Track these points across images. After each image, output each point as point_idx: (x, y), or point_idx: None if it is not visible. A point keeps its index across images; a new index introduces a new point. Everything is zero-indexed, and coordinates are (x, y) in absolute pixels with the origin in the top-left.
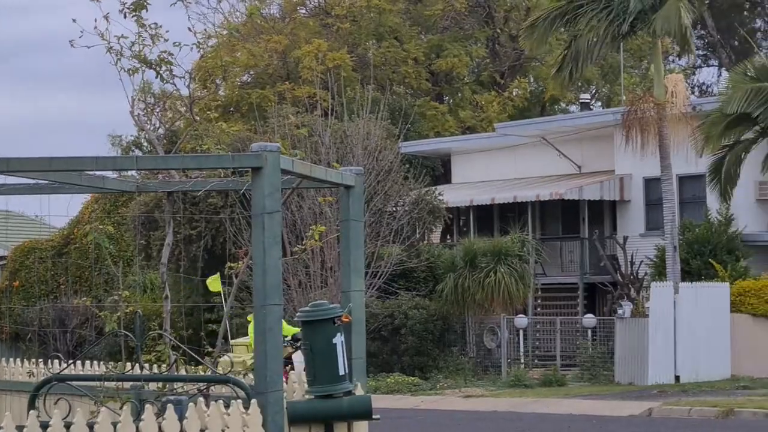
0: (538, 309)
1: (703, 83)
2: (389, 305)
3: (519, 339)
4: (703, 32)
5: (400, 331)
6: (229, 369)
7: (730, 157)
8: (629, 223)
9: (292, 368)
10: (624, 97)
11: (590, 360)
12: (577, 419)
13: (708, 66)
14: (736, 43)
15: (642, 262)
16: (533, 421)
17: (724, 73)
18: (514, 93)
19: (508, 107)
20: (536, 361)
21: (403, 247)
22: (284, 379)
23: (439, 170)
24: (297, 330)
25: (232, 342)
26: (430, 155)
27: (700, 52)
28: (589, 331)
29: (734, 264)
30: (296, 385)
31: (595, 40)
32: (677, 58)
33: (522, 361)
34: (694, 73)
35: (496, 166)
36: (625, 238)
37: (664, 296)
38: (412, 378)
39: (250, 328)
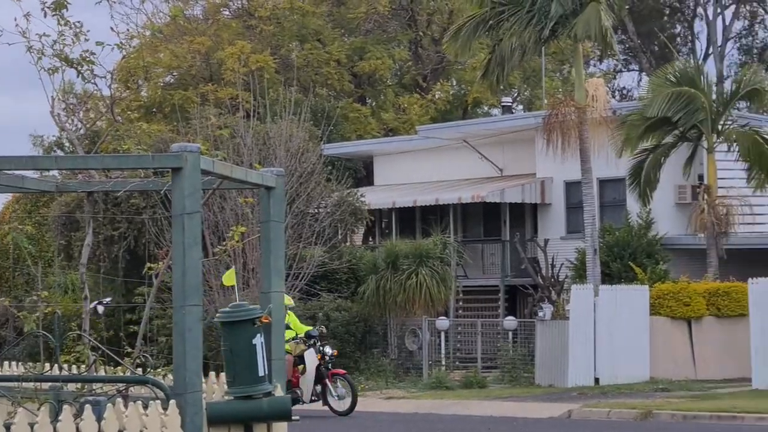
0: (460, 311)
1: (624, 88)
2: (311, 307)
3: (440, 341)
4: (623, 37)
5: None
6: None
7: (649, 160)
8: (550, 226)
9: (305, 369)
10: (545, 101)
11: (511, 362)
12: (497, 421)
13: (628, 71)
14: (656, 48)
15: (563, 264)
16: (454, 423)
17: (645, 78)
18: (436, 96)
19: (431, 110)
20: (457, 363)
21: (325, 249)
22: (295, 380)
23: (362, 172)
24: (309, 328)
25: None
26: (352, 157)
27: (621, 57)
28: (510, 334)
29: (654, 267)
30: (215, 386)
31: (518, 44)
32: (598, 62)
33: (443, 363)
34: (614, 78)
35: (419, 169)
36: (546, 241)
37: (584, 299)
38: None
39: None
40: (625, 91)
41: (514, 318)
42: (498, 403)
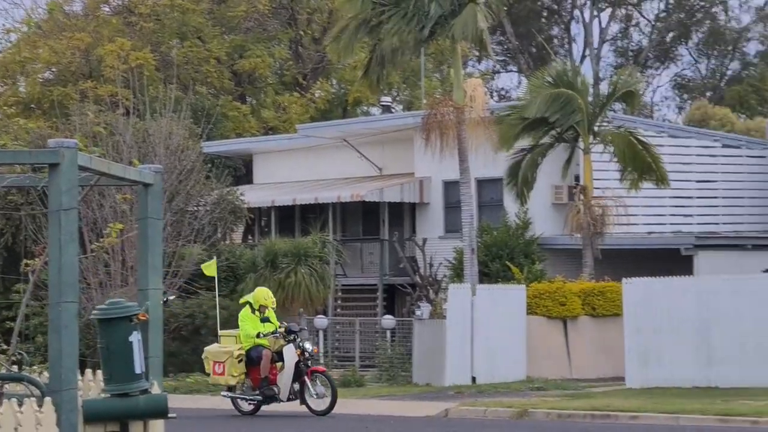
0: (338, 310)
1: (502, 88)
2: (190, 305)
3: (319, 339)
4: (502, 38)
5: (200, 330)
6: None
7: (527, 161)
8: (429, 226)
9: (283, 366)
10: (424, 101)
11: (389, 361)
12: (374, 420)
13: (507, 72)
14: (534, 49)
15: (441, 264)
16: (331, 422)
17: (523, 79)
18: (316, 95)
19: (311, 109)
20: (336, 361)
21: (204, 247)
22: (273, 377)
23: (242, 171)
24: (270, 326)
25: (220, 333)
26: (232, 155)
27: (500, 58)
28: (388, 332)
29: (530, 267)
30: (92, 384)
31: (398, 44)
32: (477, 63)
33: (321, 361)
34: (493, 78)
35: (299, 167)
36: (425, 240)
37: (461, 298)
38: None
39: (242, 316)
40: (503, 92)
41: (392, 317)
42: (376, 402)
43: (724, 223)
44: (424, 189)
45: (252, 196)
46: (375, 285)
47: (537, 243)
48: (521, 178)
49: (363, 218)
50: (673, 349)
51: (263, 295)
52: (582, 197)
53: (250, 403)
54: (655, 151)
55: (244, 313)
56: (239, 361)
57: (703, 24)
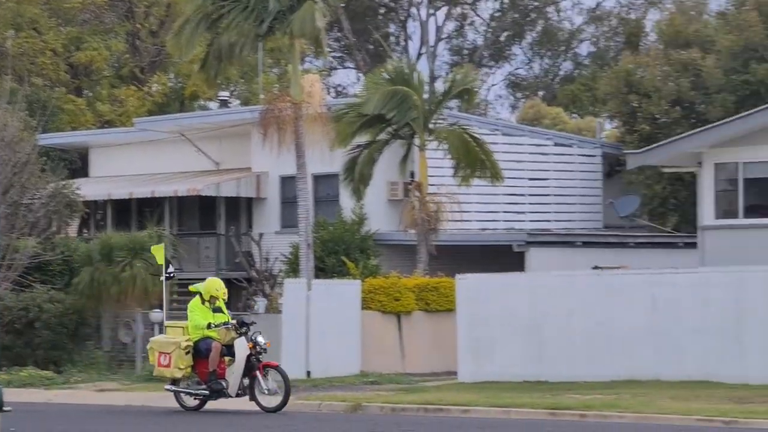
0: (174, 304)
1: (340, 84)
2: (24, 298)
3: (154, 333)
4: (339, 34)
5: (34, 324)
6: None
7: (363, 157)
8: (265, 221)
9: (232, 359)
10: (262, 96)
11: None
12: (204, 413)
13: (344, 68)
14: (371, 46)
15: (277, 258)
16: (168, 416)
17: (360, 76)
18: (153, 88)
19: (148, 102)
20: None
21: (39, 240)
22: (221, 371)
23: (78, 164)
24: (222, 317)
25: (166, 323)
26: (68, 148)
27: (337, 54)
28: None
29: (366, 262)
30: None
31: (237, 39)
32: (314, 59)
33: None
34: (330, 75)
35: (136, 161)
36: (261, 235)
37: (297, 293)
38: (46, 372)
39: (192, 306)
40: (340, 88)
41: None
42: None
43: (555, 221)
44: (261, 184)
45: (88, 189)
46: None
47: (372, 239)
48: (357, 174)
49: (200, 213)
50: (505, 344)
51: (214, 285)
52: (417, 193)
53: (195, 398)
54: (488, 148)
55: (194, 304)
56: (187, 353)
57: (537, 24)
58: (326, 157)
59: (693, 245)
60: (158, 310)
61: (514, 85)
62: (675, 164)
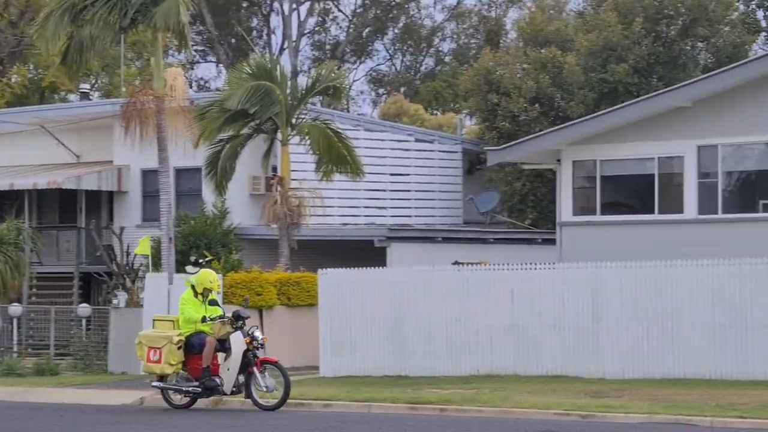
0: (33, 298)
1: (202, 78)
2: None
3: (13, 327)
4: (201, 28)
5: None
6: None
7: (226, 151)
8: (127, 214)
9: (228, 354)
10: (124, 89)
11: (84, 349)
12: (69, 409)
13: (206, 62)
14: (234, 40)
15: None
16: (25, 411)
17: (223, 69)
18: (12, 79)
19: (6, 94)
20: (30, 350)
21: None
22: (215, 367)
23: None
24: (218, 310)
25: (154, 317)
26: None
27: (199, 48)
28: (84, 321)
29: (228, 257)
30: None
31: (100, 31)
32: (177, 53)
33: (15, 349)
34: (192, 68)
35: None
36: (122, 229)
37: (158, 287)
38: None
39: (183, 298)
40: (203, 82)
41: (88, 305)
42: (71, 391)
43: (416, 216)
44: (123, 177)
45: None
46: (71, 273)
47: (234, 233)
48: (220, 168)
49: (60, 206)
50: (366, 339)
51: (209, 278)
52: (279, 188)
53: (186, 396)
54: (350, 143)
55: (186, 296)
56: (179, 348)
57: (399, 20)
58: (189, 151)
59: (552, 241)
60: (17, 303)
61: (376, 80)
62: (535, 161)
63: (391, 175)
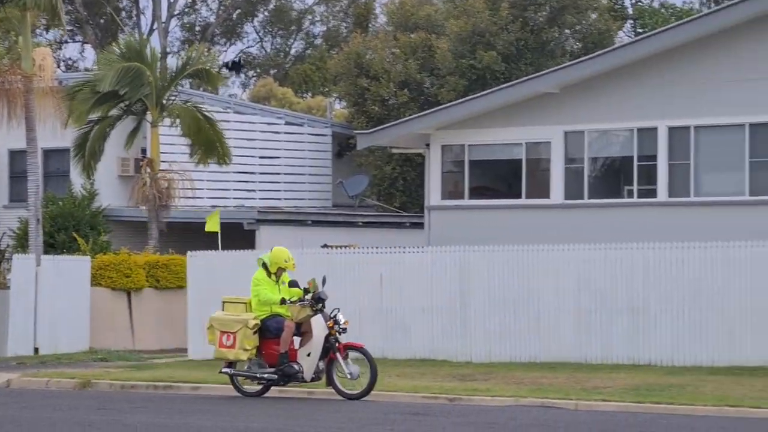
0: None
1: (70, 58)
2: None
3: None
4: (70, 8)
5: None
6: None
7: (95, 132)
8: None
9: (310, 336)
10: None
11: None
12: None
13: (75, 42)
14: (102, 20)
15: (5, 233)
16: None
17: (90, 50)
18: None
19: None
20: None
21: None
22: (293, 353)
23: None
24: (298, 292)
25: (224, 299)
26: None
27: (68, 28)
28: None
29: (96, 239)
30: None
31: None
32: (45, 32)
33: None
34: (60, 48)
35: None
36: None
37: (25, 269)
38: None
39: (256, 278)
40: (71, 62)
41: None
42: None
43: (286, 199)
44: None
45: None
46: None
47: (103, 215)
48: (89, 150)
49: None
50: None
51: (283, 256)
52: (149, 170)
53: (260, 383)
54: (219, 128)
55: (260, 276)
56: (254, 333)
57: (269, 2)
58: (57, 132)
59: (420, 225)
60: None
61: (246, 63)
62: (404, 146)
63: (261, 158)
